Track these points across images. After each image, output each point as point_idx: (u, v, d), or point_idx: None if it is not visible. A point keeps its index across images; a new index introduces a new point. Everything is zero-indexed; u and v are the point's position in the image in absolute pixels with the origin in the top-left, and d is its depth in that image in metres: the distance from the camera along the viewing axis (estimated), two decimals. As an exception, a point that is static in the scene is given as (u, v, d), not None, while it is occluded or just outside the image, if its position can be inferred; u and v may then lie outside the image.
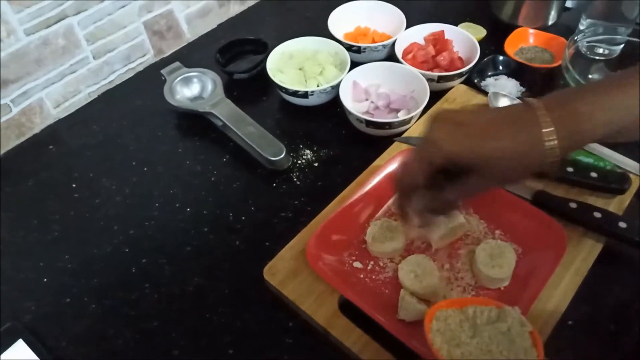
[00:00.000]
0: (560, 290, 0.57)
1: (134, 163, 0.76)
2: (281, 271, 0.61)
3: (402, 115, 0.76)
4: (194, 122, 0.81)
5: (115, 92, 0.89)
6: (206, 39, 0.97)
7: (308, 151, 0.77)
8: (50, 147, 0.80)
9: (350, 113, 0.75)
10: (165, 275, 0.64)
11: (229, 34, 0.94)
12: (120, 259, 0.66)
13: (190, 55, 0.92)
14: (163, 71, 0.83)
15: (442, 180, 0.48)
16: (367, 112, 0.79)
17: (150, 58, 0.92)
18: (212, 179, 0.74)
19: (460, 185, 0.47)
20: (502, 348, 0.44)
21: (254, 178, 0.74)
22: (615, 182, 0.66)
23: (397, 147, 0.73)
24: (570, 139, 0.42)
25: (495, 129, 0.44)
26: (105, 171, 0.76)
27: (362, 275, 0.60)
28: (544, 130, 0.42)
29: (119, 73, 0.90)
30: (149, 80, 0.88)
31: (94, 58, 0.86)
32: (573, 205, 0.62)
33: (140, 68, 0.92)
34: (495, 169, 0.44)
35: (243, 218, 0.69)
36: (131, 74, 0.91)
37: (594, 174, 0.66)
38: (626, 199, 0.66)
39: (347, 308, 0.57)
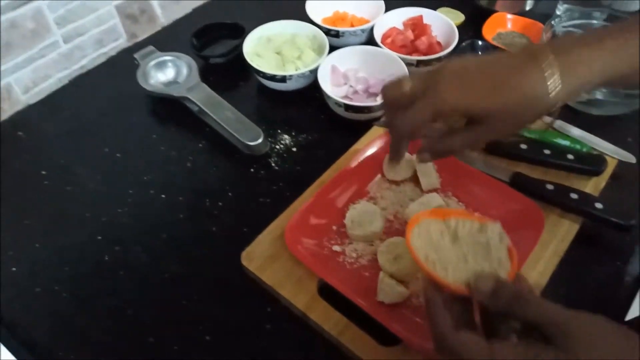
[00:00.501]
0: (538, 271, 0.58)
1: (106, 150, 0.74)
2: (259, 256, 0.60)
3: (380, 99, 0.75)
4: (169, 107, 0.79)
5: (87, 78, 0.86)
6: (181, 23, 0.94)
7: (286, 136, 0.76)
8: (20, 133, 0.78)
9: (329, 97, 0.74)
10: (140, 263, 0.63)
11: (205, 18, 0.92)
12: (93, 248, 0.64)
13: (165, 40, 0.90)
14: (136, 55, 0.80)
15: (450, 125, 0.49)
16: (345, 97, 0.78)
17: (123, 42, 0.89)
18: (188, 165, 0.72)
19: (468, 133, 0.47)
20: (478, 257, 0.44)
21: (231, 164, 0.73)
22: (591, 164, 0.66)
23: (376, 131, 0.72)
24: (572, 85, 0.43)
25: (501, 80, 0.44)
26: (77, 158, 0.74)
27: (341, 259, 0.59)
28: (547, 78, 0.42)
29: (91, 58, 0.87)
30: (122, 65, 0.85)
31: (65, 42, 0.83)
32: (550, 187, 0.63)
33: (113, 53, 0.89)
34: (503, 119, 0.45)
35: (220, 204, 0.68)
36: (103, 59, 0.88)
37: (570, 156, 0.66)
38: (602, 180, 0.67)
39: (327, 292, 0.56)
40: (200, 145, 0.75)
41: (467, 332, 0.39)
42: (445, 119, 0.48)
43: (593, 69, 0.43)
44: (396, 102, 0.47)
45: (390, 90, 0.48)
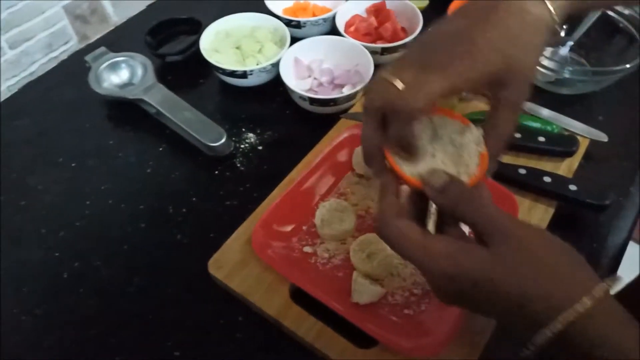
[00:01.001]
0: (514, 259, 0.56)
1: (61, 159, 0.70)
2: (227, 264, 0.57)
3: (346, 91, 0.73)
4: (126, 110, 0.75)
5: (37, 84, 0.81)
6: (135, 21, 0.90)
7: (251, 134, 0.73)
8: (-33, 148, 0.73)
9: (292, 91, 0.71)
10: (102, 278, 0.59)
11: (160, 14, 0.88)
12: (51, 265, 0.61)
13: (119, 40, 0.86)
14: (87, 57, 0.76)
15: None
16: (310, 89, 0.75)
17: (74, 45, 0.85)
18: (148, 170, 0.69)
19: (503, 110, 0.41)
20: (447, 158, 0.43)
21: (194, 167, 0.69)
22: (563, 145, 0.65)
23: (343, 124, 0.70)
24: None
25: (499, 18, 0.40)
26: (30, 170, 0.70)
27: (313, 260, 0.57)
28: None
29: (41, 63, 0.83)
30: (74, 69, 0.81)
31: (10, 48, 0.78)
32: (522, 171, 0.61)
33: (64, 56, 0.85)
34: (524, 59, 0.40)
35: (184, 210, 0.65)
36: (54, 64, 0.83)
37: (541, 139, 0.65)
38: (575, 161, 0.65)
39: (300, 296, 0.54)
40: (160, 149, 0.71)
41: (406, 220, 0.39)
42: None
43: None
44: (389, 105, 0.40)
45: (377, 97, 0.40)
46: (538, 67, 0.41)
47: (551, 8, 0.40)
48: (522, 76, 0.40)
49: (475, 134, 0.43)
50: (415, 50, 0.42)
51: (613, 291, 0.58)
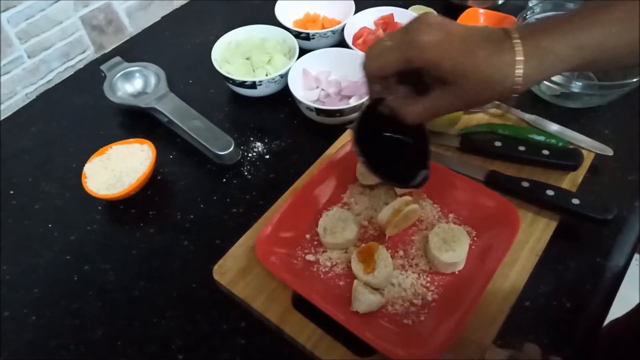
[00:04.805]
0: (515, 271, 0.56)
1: (74, 165, 0.72)
2: (231, 270, 0.58)
3: (353, 102, 0.74)
4: (138, 119, 0.77)
5: (54, 92, 0.84)
6: (150, 32, 0.93)
7: (259, 143, 0.74)
8: (-14, 152, 0.76)
9: (300, 102, 0.73)
10: (110, 281, 0.61)
11: (175, 25, 0.90)
12: (62, 267, 0.62)
13: (134, 50, 0.88)
14: (103, 67, 0.78)
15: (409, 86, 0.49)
16: (318, 100, 0.77)
17: (90, 54, 0.88)
18: (159, 177, 0.71)
19: (430, 99, 0.47)
20: None
21: (202, 174, 0.71)
22: (567, 158, 0.65)
23: (349, 134, 0.70)
24: (536, 69, 0.43)
25: (477, 47, 0.43)
26: (44, 175, 0.72)
27: (315, 268, 0.58)
28: (516, 58, 0.43)
29: (58, 71, 0.85)
30: (90, 78, 0.83)
31: (29, 57, 0.81)
32: (525, 184, 0.61)
33: (81, 65, 0.87)
34: (468, 86, 0.44)
35: (192, 217, 0.66)
36: (71, 72, 0.86)
37: (546, 152, 0.65)
38: (579, 175, 0.65)
39: (302, 303, 0.55)
40: (170, 156, 0.73)
41: None
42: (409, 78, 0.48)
43: (558, 56, 0.43)
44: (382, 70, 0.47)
45: (374, 62, 0.47)
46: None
47: (518, 71, 0.43)
48: (458, 91, 0.45)
49: None
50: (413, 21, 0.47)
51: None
